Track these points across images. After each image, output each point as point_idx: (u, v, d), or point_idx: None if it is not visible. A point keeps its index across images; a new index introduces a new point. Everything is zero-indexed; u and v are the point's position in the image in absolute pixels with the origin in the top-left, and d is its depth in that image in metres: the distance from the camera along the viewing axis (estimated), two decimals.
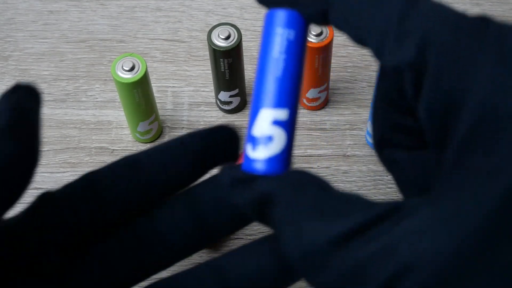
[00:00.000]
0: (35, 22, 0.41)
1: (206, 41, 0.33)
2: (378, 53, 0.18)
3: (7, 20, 0.42)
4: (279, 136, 0.20)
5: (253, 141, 0.20)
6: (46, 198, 0.21)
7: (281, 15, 0.20)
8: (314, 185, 0.19)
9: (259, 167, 0.20)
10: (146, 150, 0.22)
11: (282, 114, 0.20)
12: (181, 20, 0.42)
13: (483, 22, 0.18)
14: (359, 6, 0.19)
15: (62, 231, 0.21)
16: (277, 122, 0.20)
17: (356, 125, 0.37)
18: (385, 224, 0.16)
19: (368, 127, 0.36)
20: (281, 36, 0.20)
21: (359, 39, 0.19)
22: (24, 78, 0.39)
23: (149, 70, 0.35)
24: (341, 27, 0.19)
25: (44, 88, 0.39)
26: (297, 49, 0.21)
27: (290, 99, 0.20)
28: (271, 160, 0.20)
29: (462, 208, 0.15)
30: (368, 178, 0.35)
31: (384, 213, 0.16)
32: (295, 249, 0.17)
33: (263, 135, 0.20)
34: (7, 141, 0.18)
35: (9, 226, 0.20)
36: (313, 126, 0.37)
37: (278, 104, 0.20)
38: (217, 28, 0.33)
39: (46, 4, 0.42)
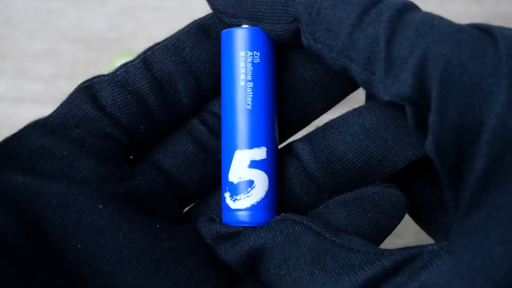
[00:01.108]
0: (33, 21, 0.41)
1: None
2: (366, 85, 0.15)
3: (5, 19, 0.41)
4: (260, 180, 0.17)
5: (232, 188, 0.18)
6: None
7: (242, 34, 0.17)
8: (309, 232, 0.16)
9: (242, 218, 0.17)
10: None
11: (259, 153, 0.17)
12: (180, 19, 0.41)
13: (489, 36, 0.14)
14: (337, 24, 0.15)
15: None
16: (255, 164, 0.17)
17: None
18: (399, 279, 0.14)
19: None
20: (245, 60, 0.17)
21: (341, 66, 0.16)
22: (23, 78, 0.39)
23: None
24: (317, 51, 0.16)
25: (42, 88, 0.38)
26: (266, 72, 0.17)
27: (266, 134, 0.17)
28: (254, 209, 0.17)
29: (486, 261, 0.13)
30: None
31: (397, 264, 0.14)
32: None
33: (242, 181, 0.17)
34: None
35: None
36: (311, 124, 0.37)
37: (254, 143, 0.17)
38: None
39: (45, 3, 0.42)
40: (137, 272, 0.17)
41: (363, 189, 0.18)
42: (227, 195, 0.18)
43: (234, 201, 0.18)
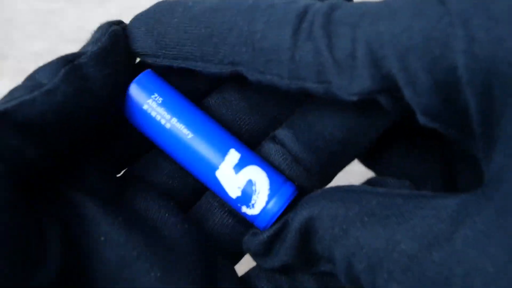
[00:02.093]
0: (33, 21, 0.41)
1: None
2: (328, 96, 0.15)
3: (5, 19, 0.41)
4: (254, 173, 0.17)
5: (242, 201, 0.18)
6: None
7: (134, 91, 0.17)
8: (349, 193, 0.16)
9: (274, 210, 0.17)
10: None
11: (233, 156, 0.17)
12: None
13: None
14: (275, 52, 0.15)
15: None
16: (238, 166, 0.17)
17: None
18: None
19: None
20: (152, 109, 0.17)
21: (297, 89, 0.15)
22: (23, 78, 0.38)
23: None
24: (268, 82, 0.16)
25: None
26: (177, 100, 0.18)
27: (221, 139, 0.18)
28: (274, 194, 0.17)
29: None
30: (371, 175, 0.35)
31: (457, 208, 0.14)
32: (362, 261, 0.15)
33: (243, 188, 0.17)
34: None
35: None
36: None
37: (222, 154, 0.17)
38: None
39: (45, 3, 0.42)
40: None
41: (372, 179, 0.19)
42: (244, 208, 0.18)
43: (253, 207, 0.17)
